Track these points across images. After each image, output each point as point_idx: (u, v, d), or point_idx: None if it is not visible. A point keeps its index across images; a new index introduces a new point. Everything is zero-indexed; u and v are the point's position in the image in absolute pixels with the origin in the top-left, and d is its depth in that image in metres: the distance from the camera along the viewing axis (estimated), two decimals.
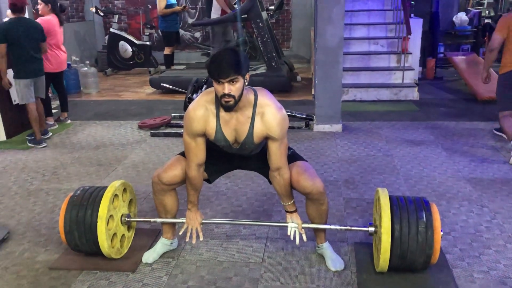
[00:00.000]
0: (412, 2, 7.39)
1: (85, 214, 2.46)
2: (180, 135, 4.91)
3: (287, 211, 2.49)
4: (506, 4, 10.11)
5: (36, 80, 4.76)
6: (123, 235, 2.67)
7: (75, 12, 9.51)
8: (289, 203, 2.46)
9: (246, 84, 2.20)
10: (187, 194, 2.50)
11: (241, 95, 2.17)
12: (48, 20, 5.15)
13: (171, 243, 2.73)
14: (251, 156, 2.52)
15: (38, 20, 5.09)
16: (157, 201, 2.59)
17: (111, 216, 2.51)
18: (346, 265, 2.55)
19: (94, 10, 8.68)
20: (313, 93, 6.15)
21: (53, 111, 5.72)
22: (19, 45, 4.53)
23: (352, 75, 6.61)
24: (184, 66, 8.57)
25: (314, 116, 5.14)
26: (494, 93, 6.21)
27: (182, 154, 2.51)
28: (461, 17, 9.08)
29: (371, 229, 2.44)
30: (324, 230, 2.61)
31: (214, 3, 7.01)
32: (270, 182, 2.52)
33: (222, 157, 2.55)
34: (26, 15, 4.78)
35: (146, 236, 2.88)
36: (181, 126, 5.16)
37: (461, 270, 2.49)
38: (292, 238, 2.50)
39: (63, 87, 5.67)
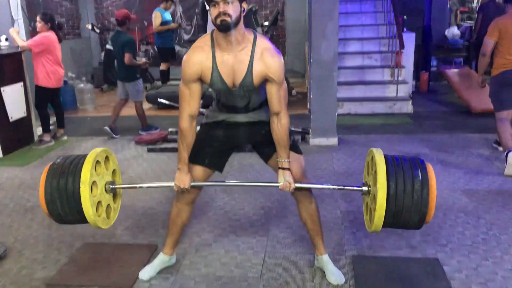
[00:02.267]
0: (405, 17, 7.49)
1: (67, 181, 2.30)
2: (176, 150, 4.91)
3: (280, 168, 2.39)
4: None
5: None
6: (108, 205, 2.50)
7: (71, 29, 9.57)
8: (284, 159, 2.38)
9: (244, 13, 2.17)
10: (178, 152, 2.42)
11: (238, 20, 2.13)
12: (48, 36, 5.18)
13: (170, 259, 2.72)
14: (248, 124, 2.46)
15: (37, 36, 5.14)
16: (175, 210, 2.58)
17: (94, 182, 2.35)
18: (345, 278, 2.55)
19: (90, 27, 8.75)
20: (308, 107, 6.20)
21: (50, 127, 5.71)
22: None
23: (347, 89, 6.67)
24: (180, 82, 8.61)
25: (310, 130, 5.17)
26: (487, 106, 6.30)
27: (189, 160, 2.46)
28: (453, 31, 9.21)
29: (364, 188, 2.35)
30: (321, 239, 2.61)
31: (210, 18, 7.08)
32: (265, 162, 2.53)
33: (221, 143, 2.50)
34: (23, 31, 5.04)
35: (143, 251, 2.87)
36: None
37: (458, 282, 2.50)
38: (281, 189, 2.38)
39: (60, 104, 5.69)
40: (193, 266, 2.74)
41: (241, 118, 2.44)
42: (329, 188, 2.45)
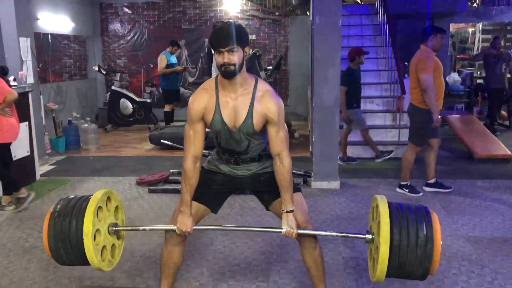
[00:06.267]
0: (406, 63, 7.63)
1: (69, 230, 2.31)
2: (177, 191, 4.91)
3: (283, 211, 2.37)
4: None
5: None
6: (113, 245, 2.52)
7: (78, 70, 9.77)
8: (288, 201, 2.36)
9: (247, 57, 2.26)
10: (181, 194, 2.41)
11: (241, 66, 2.23)
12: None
13: None
14: (248, 176, 2.49)
15: None
16: (166, 252, 2.54)
17: (97, 230, 2.36)
18: None
19: (97, 68, 8.92)
20: (310, 149, 6.22)
21: None
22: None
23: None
24: (183, 123, 8.70)
25: (312, 173, 5.17)
26: (490, 151, 6.32)
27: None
28: (454, 77, 9.35)
29: (368, 236, 2.34)
30: (324, 286, 2.56)
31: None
32: (266, 208, 2.53)
33: (220, 186, 2.53)
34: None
35: None
36: (179, 182, 5.16)
37: None
38: (283, 235, 2.37)
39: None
40: None
41: (241, 173, 2.50)
42: (332, 235, 2.44)
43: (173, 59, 8.41)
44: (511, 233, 3.76)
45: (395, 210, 2.24)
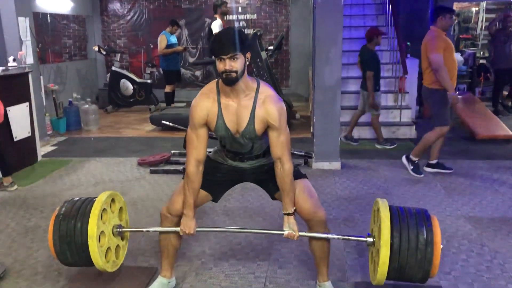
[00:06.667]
0: (408, 43, 7.57)
1: (74, 233, 2.38)
2: (179, 172, 4.92)
3: (285, 214, 2.42)
4: None
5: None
6: (117, 246, 2.60)
7: (77, 50, 9.70)
8: (288, 205, 2.39)
9: (248, 63, 2.26)
10: (184, 197, 2.44)
11: (242, 72, 2.22)
12: None
13: (169, 282, 2.69)
14: (253, 168, 2.51)
15: None
16: (162, 235, 2.57)
17: (102, 232, 2.43)
18: None
19: (97, 49, 8.86)
20: (311, 130, 6.21)
21: None
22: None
23: (350, 114, 6.67)
24: (184, 104, 8.68)
25: (313, 154, 5.17)
26: (492, 132, 6.30)
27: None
28: (456, 58, 9.26)
29: (369, 239, 2.39)
30: (327, 266, 2.59)
31: None
32: (271, 197, 2.55)
33: (224, 175, 2.55)
34: None
35: (143, 276, 2.84)
36: (180, 163, 5.18)
37: None
38: (285, 237, 2.44)
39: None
40: None
41: (245, 165, 2.52)
42: (334, 238, 2.50)
43: (173, 39, 8.34)
44: (511, 213, 3.77)
45: (395, 213, 2.28)
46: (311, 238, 2.51)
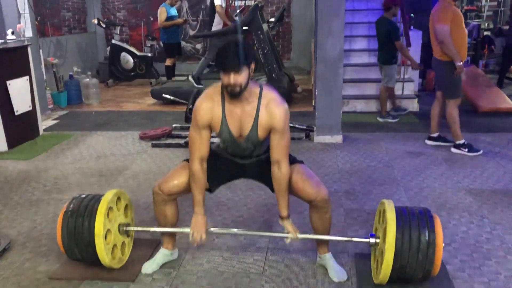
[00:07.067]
0: (412, 15, 7.45)
1: (82, 231, 2.45)
2: (180, 145, 4.93)
3: (280, 216, 2.47)
4: (505, 17, 10.19)
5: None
6: (123, 243, 2.66)
7: (77, 23, 9.59)
8: (283, 207, 2.43)
9: (252, 73, 2.27)
10: (192, 196, 2.47)
11: (246, 84, 2.25)
12: None
13: (171, 253, 2.73)
14: (253, 163, 2.54)
15: None
16: (157, 211, 2.59)
17: (108, 230, 2.49)
18: (347, 275, 2.55)
19: (96, 22, 8.76)
20: (313, 104, 6.18)
21: None
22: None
23: (352, 87, 6.64)
24: (185, 77, 8.63)
25: (315, 127, 5.16)
26: (495, 105, 6.27)
27: (187, 160, 2.53)
28: None
29: (372, 240, 2.44)
30: (326, 240, 2.61)
31: (216, 16, 7.07)
32: (272, 191, 2.53)
33: (224, 165, 2.57)
34: None
35: (146, 246, 2.88)
36: (182, 137, 5.18)
37: (461, 281, 2.49)
38: (287, 244, 2.53)
39: None
40: (195, 261, 2.74)
41: (245, 162, 2.56)
42: (337, 240, 2.57)
43: (173, 12, 8.22)
44: None
45: (399, 215, 2.31)
46: (312, 215, 2.53)
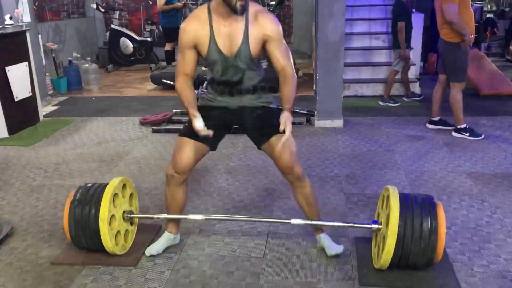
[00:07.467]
0: None
1: (89, 217, 2.47)
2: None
3: (283, 109, 2.35)
4: None
5: None
6: (126, 230, 2.68)
7: (75, 8, 9.51)
8: (288, 104, 2.35)
9: None
10: (184, 105, 2.40)
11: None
12: None
13: (174, 238, 2.74)
14: (244, 108, 2.47)
15: None
16: (169, 194, 2.59)
17: (112, 215, 2.51)
18: (347, 259, 2.56)
19: (95, 6, 8.67)
20: (314, 88, 6.15)
21: None
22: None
23: (353, 71, 6.61)
24: None
25: (315, 112, 5.14)
26: (496, 88, 6.23)
27: (181, 134, 2.51)
28: None
29: (374, 226, 2.45)
30: (318, 217, 2.62)
31: None
32: (258, 147, 2.54)
33: (215, 118, 2.48)
34: None
35: (148, 232, 2.89)
36: (182, 122, 5.17)
37: (461, 264, 2.50)
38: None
39: None
40: (196, 245, 2.76)
41: (233, 103, 2.47)
42: (339, 226, 2.59)
43: None
44: None
45: (403, 202, 2.31)
46: (294, 194, 2.58)
